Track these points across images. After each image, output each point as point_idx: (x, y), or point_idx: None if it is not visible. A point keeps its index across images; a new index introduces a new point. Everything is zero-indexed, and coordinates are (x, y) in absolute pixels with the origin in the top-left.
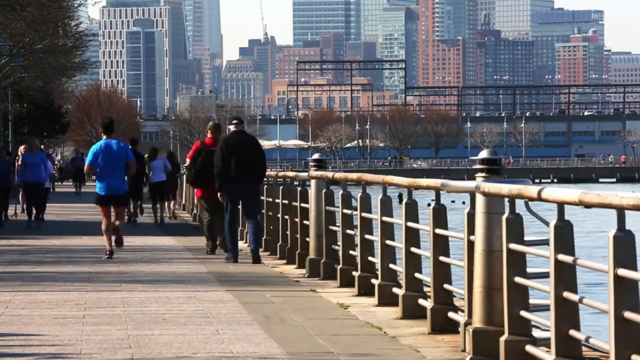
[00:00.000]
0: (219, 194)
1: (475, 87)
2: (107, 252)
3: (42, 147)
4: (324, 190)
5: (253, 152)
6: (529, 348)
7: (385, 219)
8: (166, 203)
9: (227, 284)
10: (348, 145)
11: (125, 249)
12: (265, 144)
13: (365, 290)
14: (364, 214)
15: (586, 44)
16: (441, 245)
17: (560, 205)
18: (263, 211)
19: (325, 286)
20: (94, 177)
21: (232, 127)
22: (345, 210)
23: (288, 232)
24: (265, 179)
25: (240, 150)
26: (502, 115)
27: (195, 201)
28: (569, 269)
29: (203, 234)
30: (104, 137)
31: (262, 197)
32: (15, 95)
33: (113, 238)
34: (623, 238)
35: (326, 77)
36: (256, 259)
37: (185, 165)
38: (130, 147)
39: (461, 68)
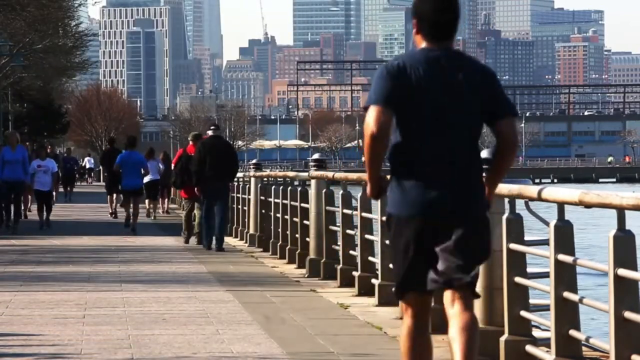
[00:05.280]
0: (195, 189)
1: None
2: (126, 219)
3: (48, 148)
4: (324, 190)
5: (226, 155)
6: (529, 348)
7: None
8: (160, 200)
9: (227, 284)
10: (348, 145)
11: (125, 248)
12: (266, 144)
13: (366, 290)
14: (364, 214)
15: (586, 44)
16: None
17: (560, 205)
18: (263, 211)
19: (325, 286)
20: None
21: (210, 132)
22: (345, 210)
23: (288, 232)
24: (237, 178)
25: (214, 153)
26: None
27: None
28: (569, 269)
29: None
30: (128, 149)
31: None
32: (15, 95)
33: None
34: (623, 238)
35: (326, 77)
36: (219, 247)
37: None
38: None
39: None
